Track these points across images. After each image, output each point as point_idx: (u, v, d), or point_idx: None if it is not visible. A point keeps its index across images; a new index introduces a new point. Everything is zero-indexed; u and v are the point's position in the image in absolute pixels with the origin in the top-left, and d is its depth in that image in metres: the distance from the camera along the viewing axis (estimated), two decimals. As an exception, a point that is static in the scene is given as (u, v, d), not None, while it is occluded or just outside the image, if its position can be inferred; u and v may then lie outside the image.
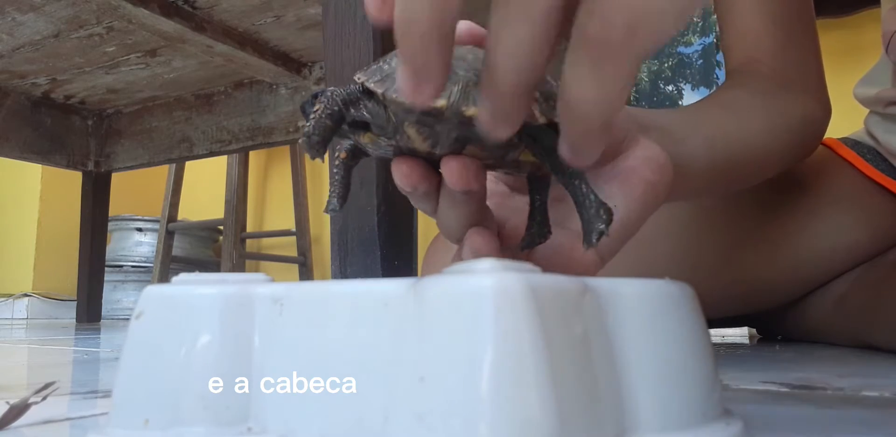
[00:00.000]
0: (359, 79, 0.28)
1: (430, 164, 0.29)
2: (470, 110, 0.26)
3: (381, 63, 0.28)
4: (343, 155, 0.32)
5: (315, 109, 0.28)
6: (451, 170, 0.27)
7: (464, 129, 0.26)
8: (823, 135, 0.56)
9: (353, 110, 0.28)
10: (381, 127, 0.28)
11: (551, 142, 0.26)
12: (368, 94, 0.28)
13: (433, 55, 0.21)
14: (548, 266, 0.31)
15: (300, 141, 0.28)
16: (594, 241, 0.27)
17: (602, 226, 0.27)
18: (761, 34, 0.55)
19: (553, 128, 0.27)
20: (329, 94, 0.28)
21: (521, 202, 0.33)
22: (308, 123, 0.28)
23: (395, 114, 0.27)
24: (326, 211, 0.32)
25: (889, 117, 0.69)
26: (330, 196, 0.33)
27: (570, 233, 0.31)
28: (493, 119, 0.23)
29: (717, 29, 0.95)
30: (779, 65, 0.54)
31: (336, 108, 0.28)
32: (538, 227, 0.30)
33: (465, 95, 0.26)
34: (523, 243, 0.30)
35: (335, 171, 0.32)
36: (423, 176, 0.29)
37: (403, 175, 0.29)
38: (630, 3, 0.20)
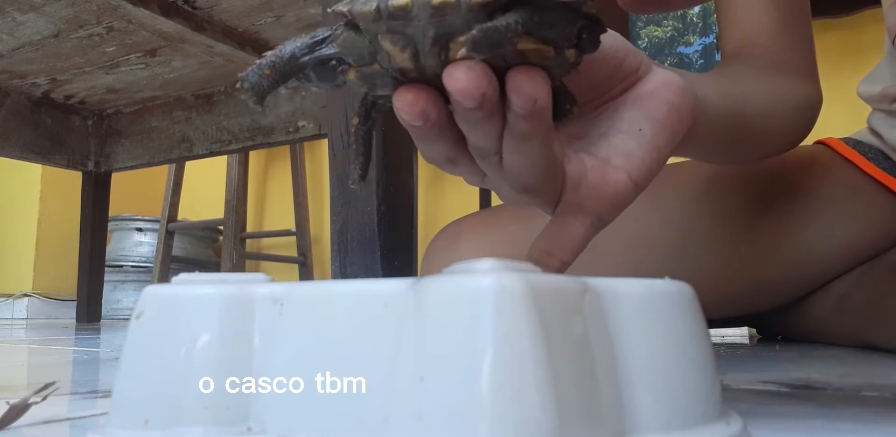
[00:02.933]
0: (332, 9, 0.26)
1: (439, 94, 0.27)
2: None
3: None
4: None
5: (262, 55, 0.27)
6: (456, 77, 0.24)
7: (438, 22, 0.24)
8: (815, 120, 0.56)
9: (320, 50, 0.27)
10: (359, 56, 0.27)
11: (546, 16, 0.25)
12: (341, 27, 0.27)
13: None
14: (581, 191, 0.30)
15: (237, 84, 0.28)
16: (558, 119, 0.27)
17: (564, 115, 0.26)
18: (760, 16, 0.55)
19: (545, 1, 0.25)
20: (290, 41, 0.27)
21: None
22: (249, 69, 0.27)
23: (367, 30, 0.26)
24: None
25: (894, 114, 0.69)
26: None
27: (598, 159, 0.31)
28: None
29: (715, 16, 0.96)
30: (776, 47, 0.54)
31: (286, 55, 0.27)
32: (558, 104, 0.28)
33: None
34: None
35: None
36: (431, 101, 0.26)
37: (409, 104, 0.26)
38: None
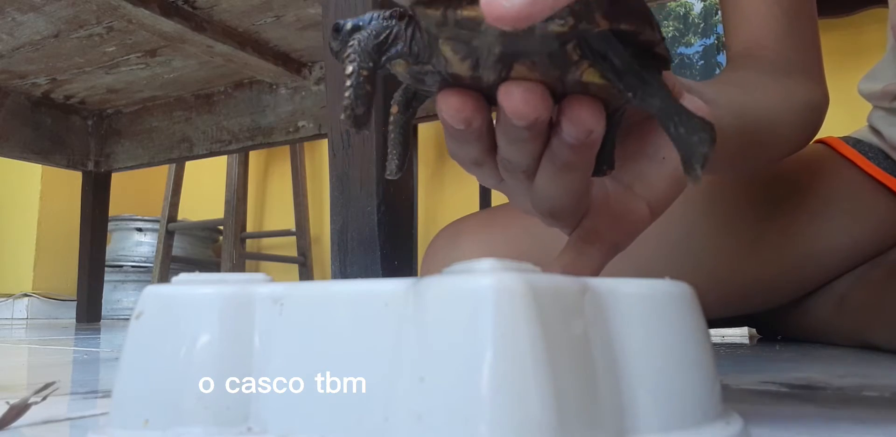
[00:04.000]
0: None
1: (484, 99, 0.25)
2: None
3: None
4: (394, 109, 0.29)
5: (349, 74, 0.25)
6: (514, 96, 0.23)
7: (508, 42, 0.23)
8: (823, 121, 0.56)
9: (389, 50, 0.25)
10: (414, 54, 0.25)
11: (621, 56, 0.23)
12: (398, 16, 0.25)
13: None
14: (602, 218, 0.30)
15: (342, 117, 0.25)
16: (698, 170, 0.23)
17: (705, 149, 0.23)
18: (767, 18, 0.55)
19: (621, 38, 0.24)
20: (356, 46, 0.25)
21: None
22: (346, 94, 0.24)
23: (428, 30, 0.24)
24: (388, 176, 0.29)
25: (894, 112, 0.69)
26: (389, 160, 0.30)
27: (621, 186, 0.31)
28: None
29: (716, 17, 0.95)
30: (783, 49, 0.54)
31: (370, 63, 0.25)
32: (598, 162, 0.27)
33: None
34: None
35: (391, 129, 0.29)
36: (477, 108, 0.25)
37: (454, 109, 0.25)
38: None
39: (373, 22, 0.25)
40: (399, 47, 0.25)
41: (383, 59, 0.25)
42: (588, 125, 0.25)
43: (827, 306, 0.70)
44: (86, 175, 1.62)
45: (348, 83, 0.25)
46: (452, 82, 0.25)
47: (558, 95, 0.25)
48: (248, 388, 0.22)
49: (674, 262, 0.63)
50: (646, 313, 0.22)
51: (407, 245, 0.66)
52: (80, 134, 1.59)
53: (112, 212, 1.73)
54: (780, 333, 0.84)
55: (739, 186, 0.65)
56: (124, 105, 1.55)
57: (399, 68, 0.26)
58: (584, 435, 0.18)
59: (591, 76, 0.24)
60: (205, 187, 2.52)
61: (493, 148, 0.28)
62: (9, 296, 2.32)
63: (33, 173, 2.34)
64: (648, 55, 0.25)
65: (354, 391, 0.20)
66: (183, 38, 1.11)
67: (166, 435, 0.22)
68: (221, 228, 2.15)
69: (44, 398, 0.30)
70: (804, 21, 0.56)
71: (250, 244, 2.45)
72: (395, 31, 0.25)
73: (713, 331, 0.98)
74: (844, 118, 0.86)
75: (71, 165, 1.58)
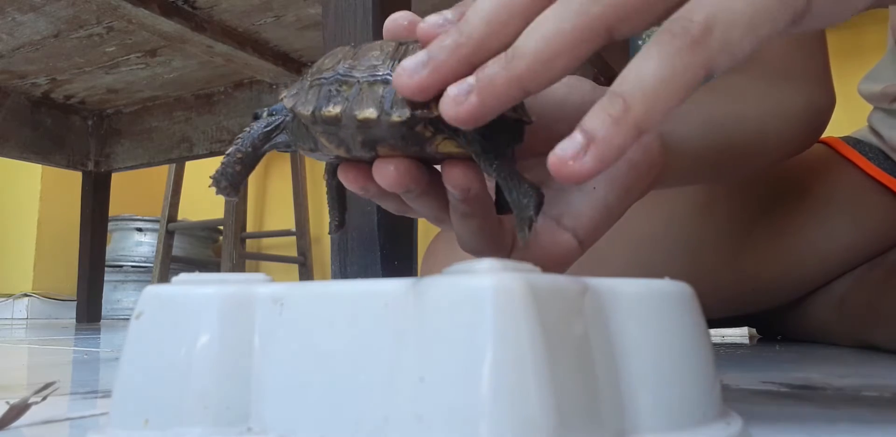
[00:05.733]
0: (282, 96, 0.29)
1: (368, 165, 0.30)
2: (363, 114, 0.26)
3: (302, 80, 0.29)
4: (325, 176, 0.33)
5: (227, 153, 0.30)
6: (380, 172, 0.28)
7: (365, 131, 0.27)
8: (827, 123, 0.55)
9: (275, 138, 0.31)
10: (304, 142, 0.30)
11: (470, 132, 0.27)
12: (290, 115, 0.30)
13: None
14: (530, 251, 0.31)
15: (209, 185, 0.31)
16: (526, 230, 0.27)
17: (530, 212, 0.26)
18: None
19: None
20: (246, 133, 0.31)
21: None
22: (217, 169, 0.30)
23: (307, 126, 0.29)
24: (329, 233, 0.34)
25: (894, 113, 0.69)
26: (330, 219, 0.35)
27: (549, 219, 0.31)
28: (472, 106, 0.23)
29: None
30: (784, 52, 0.53)
31: (249, 149, 0.30)
32: (519, 212, 0.29)
33: (360, 98, 0.27)
34: (519, 235, 0.29)
35: (327, 190, 0.34)
36: (369, 178, 0.29)
37: (350, 180, 0.30)
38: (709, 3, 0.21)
39: (276, 115, 0.31)
40: (282, 137, 0.31)
41: (266, 146, 0.31)
42: (463, 185, 0.28)
43: (827, 306, 0.70)
44: (86, 175, 1.62)
45: (223, 160, 0.30)
46: (344, 159, 0.30)
47: (436, 160, 0.29)
48: (247, 388, 0.22)
49: (674, 261, 0.63)
50: (646, 313, 0.22)
51: (407, 245, 0.66)
52: (80, 134, 1.59)
53: (112, 212, 1.73)
54: (780, 333, 0.84)
55: (739, 186, 0.65)
56: (124, 105, 1.55)
57: (302, 151, 0.31)
58: (583, 435, 0.18)
59: (446, 147, 0.27)
60: (205, 187, 2.50)
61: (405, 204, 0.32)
62: (9, 296, 2.32)
63: (33, 173, 2.34)
64: (500, 123, 0.27)
65: (354, 391, 0.20)
66: (183, 38, 1.11)
67: (166, 435, 0.22)
68: (221, 228, 2.15)
69: (44, 398, 0.30)
70: None
71: (250, 244, 2.45)
72: (283, 123, 0.31)
73: (713, 331, 0.98)
74: (844, 118, 0.86)
75: (71, 165, 1.58)
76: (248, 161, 0.31)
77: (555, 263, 0.31)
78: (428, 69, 0.24)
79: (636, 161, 0.31)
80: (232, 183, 0.31)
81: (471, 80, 0.23)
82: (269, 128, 0.31)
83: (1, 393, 0.39)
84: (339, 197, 0.34)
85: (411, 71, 0.24)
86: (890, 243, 0.69)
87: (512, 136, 0.28)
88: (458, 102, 0.23)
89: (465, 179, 0.28)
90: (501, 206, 0.30)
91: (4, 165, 2.23)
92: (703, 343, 0.24)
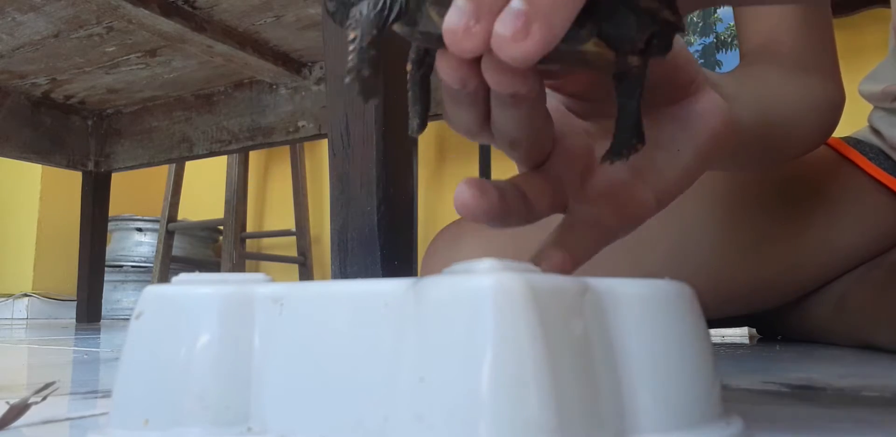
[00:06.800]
0: None
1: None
2: None
3: None
4: (409, 66, 0.29)
5: (351, 39, 0.25)
6: (491, 67, 0.23)
7: None
8: (838, 121, 0.55)
9: (386, 20, 0.25)
10: (408, 17, 0.25)
11: (627, 26, 0.24)
12: None
13: None
14: (603, 203, 0.30)
15: (347, 80, 0.25)
16: (622, 155, 0.26)
17: (628, 151, 0.26)
18: (782, 15, 0.54)
19: (628, 5, 0.24)
20: (358, 15, 0.25)
21: (580, 124, 0.31)
22: (350, 57, 0.25)
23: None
24: (410, 133, 0.29)
25: (895, 112, 0.69)
26: (410, 117, 0.30)
27: (630, 173, 0.30)
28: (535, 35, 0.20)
29: (715, 16, 0.95)
30: (799, 46, 0.53)
31: (374, 30, 0.25)
32: (625, 135, 0.27)
33: None
34: (607, 155, 0.27)
35: (409, 86, 0.30)
36: (472, 69, 0.25)
37: (451, 68, 0.25)
38: None
39: None
40: (394, 13, 0.25)
41: (383, 26, 0.26)
42: (588, 96, 0.27)
43: (827, 306, 0.70)
44: (86, 175, 1.62)
45: (351, 48, 0.25)
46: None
47: (551, 72, 0.26)
48: (247, 388, 0.22)
49: (674, 261, 0.63)
50: (646, 313, 0.22)
51: (407, 245, 0.66)
52: (80, 134, 1.59)
53: (112, 212, 1.73)
54: (780, 333, 0.84)
55: (740, 186, 0.65)
56: (124, 105, 1.55)
57: (398, 28, 0.26)
58: (583, 435, 0.18)
59: (589, 46, 0.24)
60: (205, 187, 2.52)
61: (487, 116, 0.28)
62: (9, 296, 2.32)
63: (33, 173, 2.34)
64: (655, 23, 0.25)
65: (354, 390, 0.20)
66: (183, 38, 1.11)
67: (166, 435, 0.22)
68: (221, 228, 2.15)
69: (44, 398, 0.30)
70: (819, 19, 0.55)
71: (250, 244, 2.45)
72: (384, 5, 0.25)
73: (713, 331, 0.98)
74: (844, 118, 0.86)
75: (71, 165, 1.58)
76: (378, 44, 0.25)
77: (627, 220, 0.30)
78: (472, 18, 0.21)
79: (719, 132, 0.31)
80: (375, 71, 0.25)
81: (515, 4, 0.20)
82: (377, 7, 0.25)
83: (1, 393, 0.39)
84: (423, 92, 0.29)
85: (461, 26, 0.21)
86: (890, 243, 0.69)
87: (663, 42, 0.26)
88: (516, 39, 0.20)
89: (590, 89, 0.26)
90: (616, 149, 0.27)
91: (4, 165, 2.23)
92: (703, 343, 0.24)
